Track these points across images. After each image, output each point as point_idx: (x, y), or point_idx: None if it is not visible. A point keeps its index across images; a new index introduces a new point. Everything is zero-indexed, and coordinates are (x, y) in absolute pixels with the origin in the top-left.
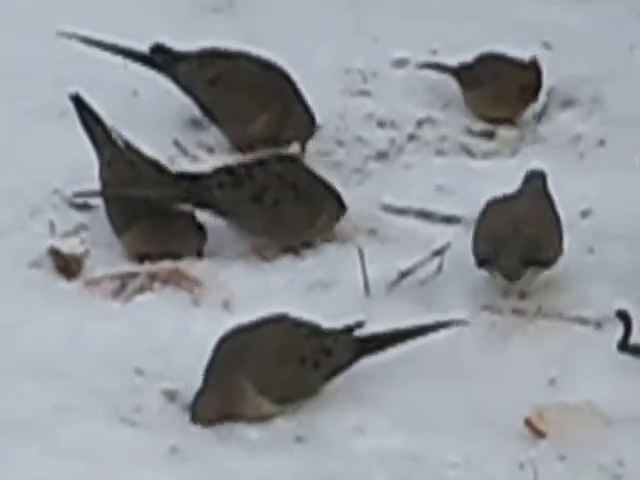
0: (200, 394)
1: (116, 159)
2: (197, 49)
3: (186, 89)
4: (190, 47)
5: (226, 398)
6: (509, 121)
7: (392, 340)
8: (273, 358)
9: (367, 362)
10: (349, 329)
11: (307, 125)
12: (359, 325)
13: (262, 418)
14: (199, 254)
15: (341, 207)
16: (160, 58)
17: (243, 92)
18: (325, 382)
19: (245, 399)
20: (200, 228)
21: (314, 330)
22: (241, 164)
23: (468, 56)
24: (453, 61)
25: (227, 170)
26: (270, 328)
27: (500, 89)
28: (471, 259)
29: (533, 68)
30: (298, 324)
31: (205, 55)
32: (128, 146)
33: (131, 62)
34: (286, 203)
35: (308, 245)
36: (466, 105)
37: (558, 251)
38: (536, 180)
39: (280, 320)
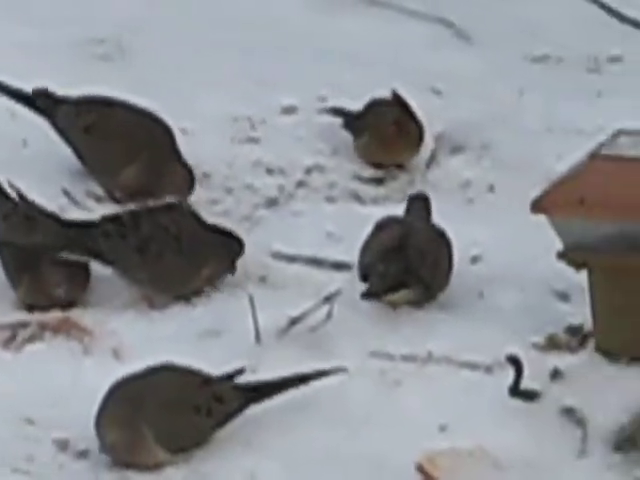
0: (103, 441)
1: (10, 213)
2: (77, 95)
3: (63, 135)
4: (74, 93)
5: (125, 445)
6: (399, 167)
7: (278, 388)
8: (168, 407)
9: (257, 409)
10: (230, 376)
11: (185, 178)
12: (239, 372)
13: (155, 467)
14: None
15: (239, 246)
16: (42, 102)
17: (114, 142)
18: (217, 429)
19: (143, 447)
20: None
21: (204, 378)
22: (129, 212)
23: (357, 103)
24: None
25: (113, 219)
26: (161, 376)
27: (380, 132)
28: (361, 305)
29: (397, 101)
30: (187, 372)
31: (83, 102)
32: (22, 197)
33: (15, 104)
34: (170, 255)
35: (198, 293)
36: (356, 152)
37: (442, 276)
38: (419, 202)
39: (168, 368)
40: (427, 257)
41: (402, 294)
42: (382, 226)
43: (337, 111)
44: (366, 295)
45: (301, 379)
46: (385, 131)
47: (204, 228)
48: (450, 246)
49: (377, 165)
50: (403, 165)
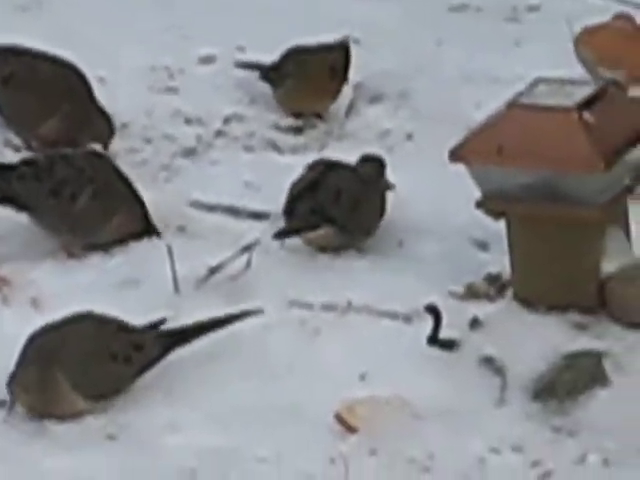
0: (13, 391)
1: None
2: None
3: None
4: None
5: (41, 395)
6: (317, 116)
7: (197, 332)
8: (85, 355)
9: (177, 359)
10: (153, 326)
11: (104, 128)
12: (162, 322)
13: (74, 416)
14: None
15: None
16: None
17: (33, 93)
18: (136, 377)
19: (60, 396)
20: None
21: (121, 326)
22: (45, 156)
23: (275, 53)
24: (260, 58)
25: (29, 162)
26: (79, 326)
27: (308, 78)
28: (280, 254)
29: (342, 48)
30: (105, 321)
31: (0, 52)
32: None
33: None
34: (83, 198)
35: (116, 243)
36: (277, 102)
37: (363, 221)
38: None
39: (86, 317)
40: (342, 198)
41: (314, 235)
42: (311, 167)
43: (250, 65)
44: (275, 235)
45: (219, 323)
46: (315, 77)
47: (120, 178)
48: (378, 193)
49: (296, 114)
50: (321, 114)
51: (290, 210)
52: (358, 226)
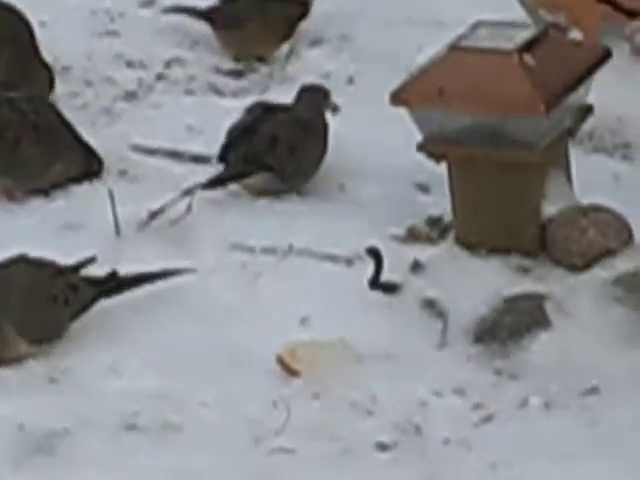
0: None
1: None
2: None
3: None
4: None
5: None
6: (258, 59)
7: (129, 284)
8: (27, 299)
9: (119, 303)
10: (81, 265)
11: (46, 77)
12: (90, 261)
13: (16, 361)
14: None
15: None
16: None
17: None
18: (74, 319)
19: (4, 341)
20: None
21: (58, 268)
22: None
23: None
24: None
25: None
26: (15, 269)
27: (269, 24)
28: (221, 198)
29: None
30: (40, 263)
31: None
32: None
33: None
34: (26, 143)
35: (58, 187)
36: (222, 45)
37: (302, 166)
38: (313, 95)
39: (20, 261)
40: (279, 145)
41: (251, 181)
42: (250, 110)
43: (180, 9)
44: (205, 186)
45: (152, 277)
46: (272, 25)
47: (64, 124)
48: (317, 136)
49: (244, 58)
50: (262, 58)
51: (224, 157)
52: (296, 171)
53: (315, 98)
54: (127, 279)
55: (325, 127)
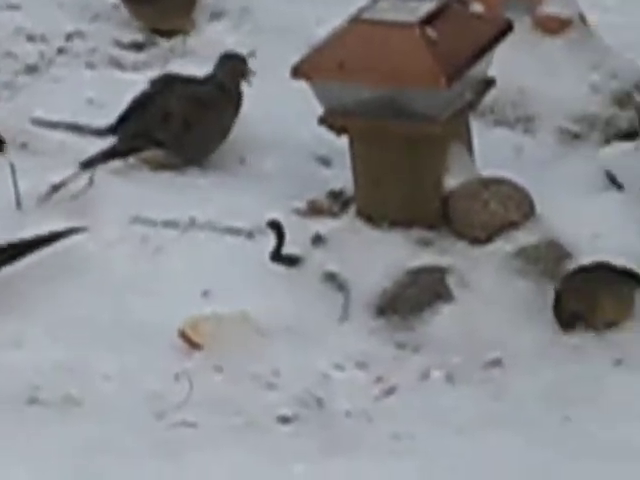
0: None
1: None
2: None
3: None
4: None
5: None
6: (163, 33)
7: (20, 250)
8: None
9: (19, 275)
10: None
11: None
12: None
13: None
14: None
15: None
16: None
17: None
18: None
19: None
20: None
21: None
22: None
23: None
24: None
25: None
26: None
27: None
28: (123, 171)
29: None
30: None
31: None
32: None
33: None
34: None
35: None
36: (135, 18)
37: (199, 141)
38: (226, 62)
39: None
40: (172, 120)
41: (143, 156)
42: (154, 82)
43: None
44: (83, 165)
45: (43, 240)
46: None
47: None
48: (220, 109)
49: (157, 32)
50: (175, 31)
51: (114, 130)
52: (193, 147)
53: (233, 65)
54: (19, 245)
55: (239, 97)
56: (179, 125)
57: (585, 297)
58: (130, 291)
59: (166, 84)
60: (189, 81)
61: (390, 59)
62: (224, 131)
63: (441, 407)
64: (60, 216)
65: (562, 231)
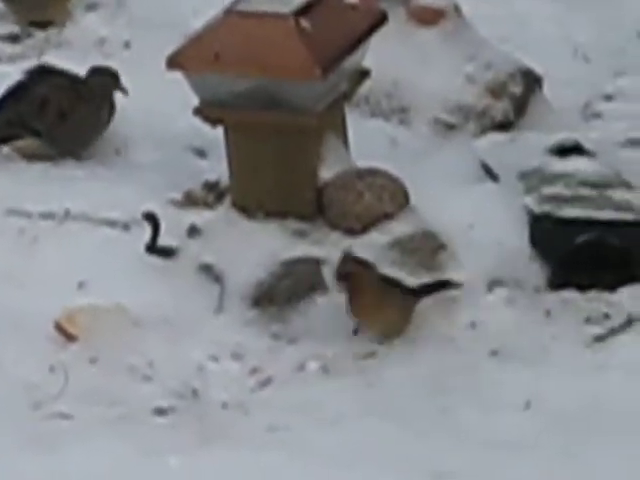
0: None
1: None
2: None
3: None
4: None
5: None
6: (39, 25)
7: None
8: None
9: None
10: None
11: None
12: None
13: None
14: None
15: None
16: None
17: None
18: None
19: None
20: None
21: None
22: None
23: None
24: None
25: None
26: None
27: None
28: None
29: None
30: None
31: None
32: None
33: None
34: None
35: None
36: (11, 11)
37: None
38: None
39: None
40: (48, 109)
41: (18, 146)
42: (28, 73)
43: None
44: None
45: None
46: None
47: None
48: (94, 104)
49: (33, 23)
50: (50, 22)
51: None
52: (68, 137)
53: (104, 81)
54: None
55: (112, 105)
56: (55, 114)
57: None
58: (6, 282)
59: (41, 74)
60: (64, 73)
61: (265, 50)
62: (100, 124)
63: (316, 398)
64: None
65: (437, 222)
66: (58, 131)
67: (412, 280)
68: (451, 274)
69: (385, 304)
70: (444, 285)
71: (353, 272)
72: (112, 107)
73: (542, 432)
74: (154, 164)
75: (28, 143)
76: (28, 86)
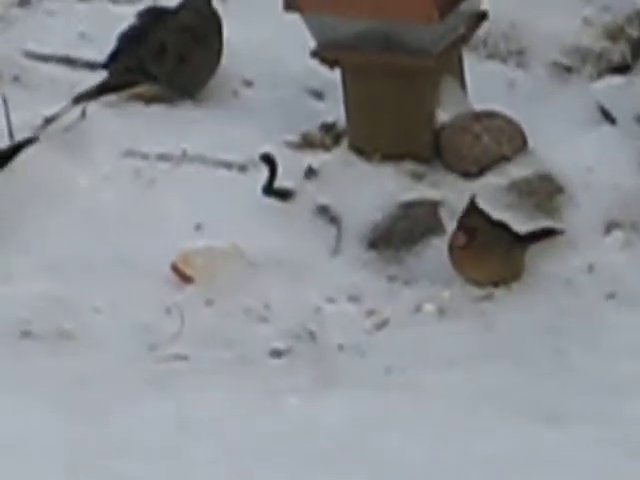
0: None
1: None
2: None
3: None
4: None
5: None
6: None
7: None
8: None
9: (13, 209)
10: None
11: None
12: None
13: None
14: None
15: None
16: None
17: None
18: None
19: None
20: None
21: None
22: None
23: None
24: None
25: None
26: None
27: None
28: (115, 104)
29: None
30: None
31: None
32: None
33: None
34: None
35: None
36: None
37: (192, 74)
38: None
39: None
40: (166, 54)
41: (137, 91)
42: (140, 15)
43: None
44: (75, 100)
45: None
46: None
47: None
48: (209, 41)
49: None
50: None
51: (108, 65)
52: (187, 80)
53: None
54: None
55: (219, 24)
56: (173, 60)
57: None
58: (123, 224)
59: (154, 18)
60: (175, 13)
61: None
62: (214, 63)
63: (432, 340)
64: (53, 150)
65: (554, 165)
66: (177, 76)
67: (520, 227)
68: (568, 217)
69: (493, 260)
70: (548, 233)
71: (478, 228)
72: (221, 44)
73: None
74: (271, 106)
75: (147, 88)
76: (144, 30)
